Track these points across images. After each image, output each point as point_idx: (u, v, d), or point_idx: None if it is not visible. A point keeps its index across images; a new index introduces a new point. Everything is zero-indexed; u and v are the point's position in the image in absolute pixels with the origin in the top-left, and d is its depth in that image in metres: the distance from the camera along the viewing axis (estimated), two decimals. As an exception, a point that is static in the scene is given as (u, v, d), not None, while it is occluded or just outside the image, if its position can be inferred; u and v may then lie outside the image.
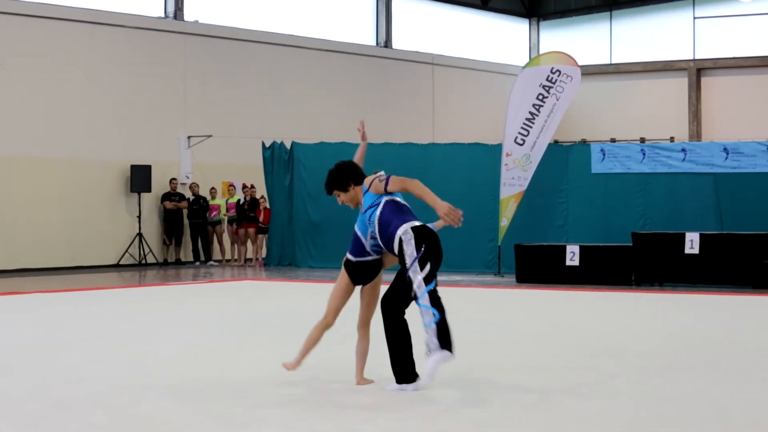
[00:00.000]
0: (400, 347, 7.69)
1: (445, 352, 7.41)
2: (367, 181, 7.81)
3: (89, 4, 23.96)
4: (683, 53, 33.26)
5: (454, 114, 32.14)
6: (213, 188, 25.21)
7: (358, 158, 8.29)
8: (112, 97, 24.10)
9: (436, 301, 7.47)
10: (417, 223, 7.64)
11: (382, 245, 7.77)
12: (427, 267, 7.50)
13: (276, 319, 9.79)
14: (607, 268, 18.29)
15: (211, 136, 25.37)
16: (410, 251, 7.52)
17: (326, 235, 23.00)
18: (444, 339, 7.43)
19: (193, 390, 7.78)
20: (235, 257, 24.94)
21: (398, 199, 7.80)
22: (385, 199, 7.72)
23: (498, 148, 20.39)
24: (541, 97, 19.42)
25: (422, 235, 7.59)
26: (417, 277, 7.50)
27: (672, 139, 30.82)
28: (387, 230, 7.61)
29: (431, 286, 7.48)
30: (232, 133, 25.96)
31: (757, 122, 31.41)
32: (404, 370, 7.71)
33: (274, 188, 23.81)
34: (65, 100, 23.32)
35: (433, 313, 7.42)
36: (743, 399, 7.45)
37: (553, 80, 19.37)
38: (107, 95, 24.03)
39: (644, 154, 20.40)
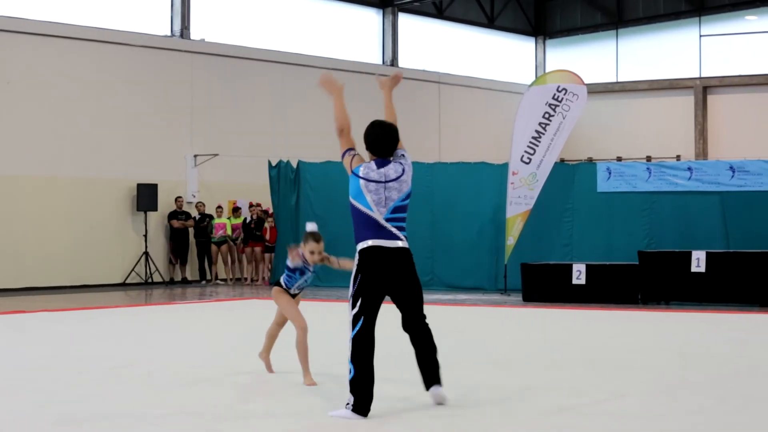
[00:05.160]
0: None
1: (354, 415, 7.15)
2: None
3: (96, 22, 24.04)
4: (689, 71, 33.29)
5: (460, 133, 32.15)
6: (219, 206, 25.16)
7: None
8: (118, 116, 24.14)
9: (356, 352, 7.19)
10: (365, 244, 7.47)
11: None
12: (358, 304, 7.28)
13: (283, 338, 9.84)
14: (613, 287, 18.26)
15: (217, 154, 25.42)
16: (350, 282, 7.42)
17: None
18: (358, 400, 7.17)
19: (201, 409, 7.77)
20: (241, 276, 24.89)
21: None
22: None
23: (504, 167, 20.39)
24: (547, 115, 19.42)
25: (365, 260, 7.42)
26: (349, 315, 7.33)
27: (678, 158, 30.82)
28: None
29: (357, 329, 7.22)
30: (239, 151, 26.01)
31: (763, 140, 31.38)
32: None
33: (281, 207, 23.79)
34: (71, 119, 23.36)
35: (349, 369, 7.22)
36: (749, 417, 7.43)
37: (560, 99, 19.38)
38: (113, 114, 24.08)
39: (650, 172, 20.36)
